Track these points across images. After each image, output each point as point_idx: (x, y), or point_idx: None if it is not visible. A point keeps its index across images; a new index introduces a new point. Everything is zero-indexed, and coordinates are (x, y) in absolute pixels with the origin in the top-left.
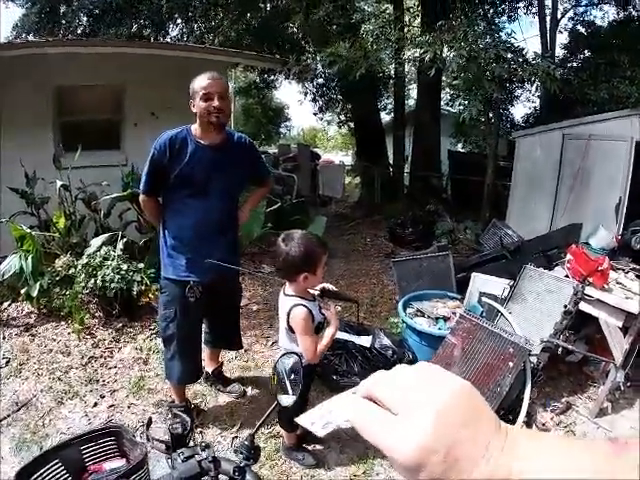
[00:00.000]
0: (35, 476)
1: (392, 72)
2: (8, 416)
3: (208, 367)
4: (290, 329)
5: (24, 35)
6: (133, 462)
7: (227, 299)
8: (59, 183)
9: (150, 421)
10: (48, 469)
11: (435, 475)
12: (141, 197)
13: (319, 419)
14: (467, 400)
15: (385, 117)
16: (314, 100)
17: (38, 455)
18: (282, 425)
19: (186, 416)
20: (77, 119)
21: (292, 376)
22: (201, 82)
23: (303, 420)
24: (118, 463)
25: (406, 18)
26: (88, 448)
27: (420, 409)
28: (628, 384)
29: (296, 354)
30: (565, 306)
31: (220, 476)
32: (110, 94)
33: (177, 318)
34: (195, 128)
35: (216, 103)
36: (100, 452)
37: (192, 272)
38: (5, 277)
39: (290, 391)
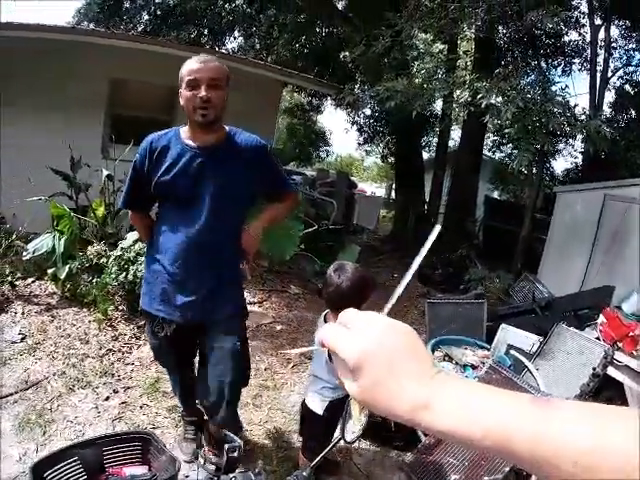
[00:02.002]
0: (51, 471)
1: (439, 111)
2: (15, 393)
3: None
4: (330, 358)
5: (85, 23)
6: (156, 471)
7: (219, 353)
8: (105, 172)
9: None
10: (65, 465)
11: (369, 383)
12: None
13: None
14: (410, 335)
15: (425, 155)
16: (360, 130)
17: (57, 450)
18: (304, 452)
19: (238, 438)
20: (129, 114)
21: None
22: (188, 65)
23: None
24: (140, 470)
25: (460, 61)
26: (111, 450)
27: (369, 326)
28: None
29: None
30: (594, 368)
31: None
32: (164, 94)
33: (157, 353)
34: (186, 128)
35: (202, 93)
36: (122, 456)
37: (163, 306)
38: (35, 254)
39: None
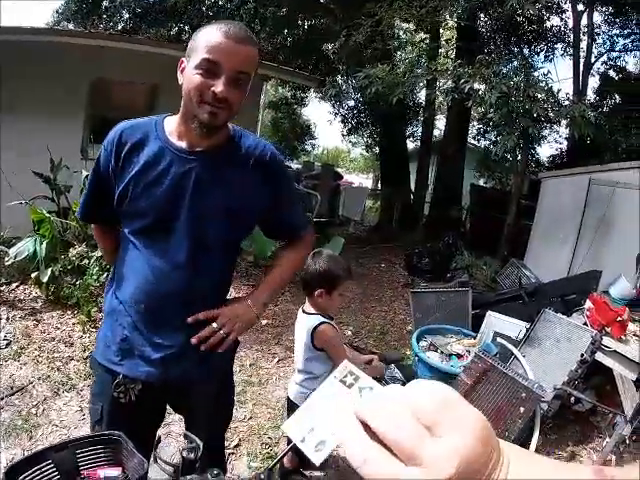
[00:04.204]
0: (24, 475)
1: (422, 100)
2: (1, 399)
3: None
4: (314, 347)
5: (65, 23)
6: (129, 473)
7: (200, 411)
8: (85, 173)
9: (159, 440)
10: (39, 469)
11: None
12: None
13: (309, 433)
14: (484, 420)
15: (410, 145)
16: (344, 122)
17: (30, 454)
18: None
19: (199, 440)
20: (110, 114)
21: None
22: (211, 35)
23: (291, 430)
24: (113, 472)
25: (442, 49)
26: (84, 452)
27: (454, 431)
28: (634, 438)
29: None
30: (582, 355)
31: None
32: (145, 93)
33: (104, 422)
34: (173, 120)
35: (220, 87)
36: (96, 458)
37: (124, 361)
38: (17, 259)
39: None
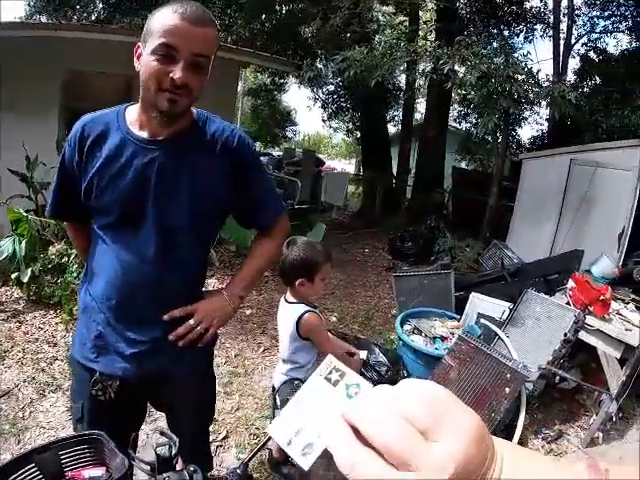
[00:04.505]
0: None
1: (403, 84)
2: None
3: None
4: (300, 336)
5: (37, 16)
6: (113, 472)
7: (182, 407)
8: None
9: (136, 438)
10: (22, 474)
11: None
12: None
13: (295, 435)
14: (477, 419)
15: (392, 129)
16: (323, 107)
17: (12, 458)
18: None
19: (175, 436)
20: (85, 106)
21: None
22: (166, 17)
23: (277, 433)
24: (97, 472)
25: (421, 33)
26: (67, 454)
27: (450, 435)
28: (620, 415)
29: (298, 379)
30: (565, 334)
31: None
32: (121, 84)
33: (85, 420)
34: (134, 109)
35: (178, 74)
36: (79, 459)
37: (100, 358)
38: None
39: None
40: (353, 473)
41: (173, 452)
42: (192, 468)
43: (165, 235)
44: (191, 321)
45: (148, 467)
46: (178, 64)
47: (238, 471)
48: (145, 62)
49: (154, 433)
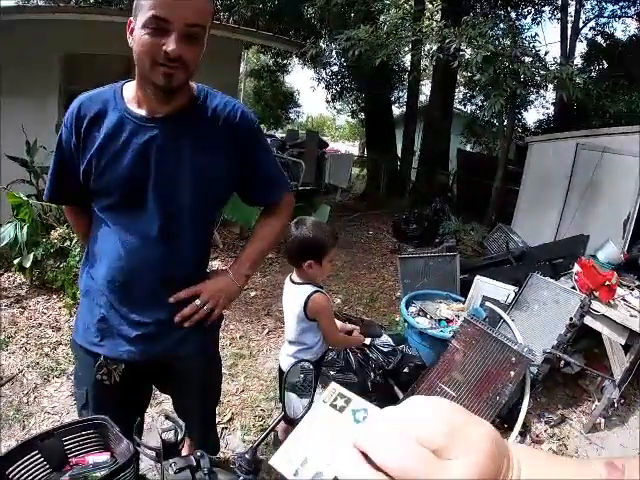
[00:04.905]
0: (12, 468)
1: (407, 65)
2: None
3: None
4: (307, 317)
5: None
6: (118, 457)
7: (188, 389)
8: None
9: (141, 423)
10: (26, 460)
11: None
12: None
13: (302, 465)
14: (492, 431)
15: (396, 110)
16: (327, 87)
17: (16, 446)
18: (284, 419)
19: (181, 420)
20: (85, 89)
21: (305, 385)
22: None
23: (281, 464)
24: (102, 457)
25: (427, 12)
26: (71, 439)
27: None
28: (622, 401)
29: (306, 360)
30: (571, 319)
31: None
32: (121, 66)
33: (90, 406)
34: (131, 86)
35: (171, 46)
36: (83, 444)
37: (104, 341)
38: None
39: (301, 409)
40: None
41: (179, 437)
42: (199, 453)
43: (168, 215)
44: (197, 301)
45: (153, 453)
46: (171, 36)
47: (247, 456)
48: (137, 37)
49: (159, 416)
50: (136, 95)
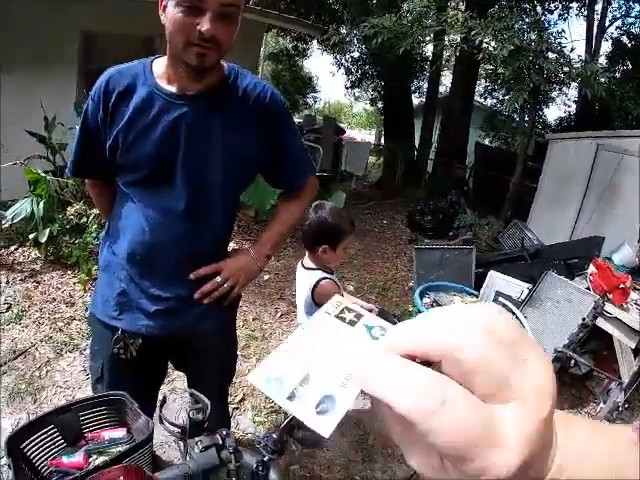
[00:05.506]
0: (27, 442)
1: (429, 54)
2: (5, 363)
3: None
4: (315, 303)
5: None
6: (134, 434)
7: (205, 365)
8: None
9: (164, 400)
10: (42, 435)
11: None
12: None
13: (301, 385)
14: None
15: (415, 100)
16: (347, 74)
17: (32, 420)
18: None
19: (206, 399)
20: (104, 67)
21: None
22: None
23: (264, 384)
24: (118, 433)
25: (452, 2)
26: (87, 414)
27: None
28: (626, 405)
29: None
30: (583, 319)
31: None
32: (142, 45)
33: (104, 380)
34: (162, 62)
35: (206, 25)
36: (99, 420)
37: (123, 315)
38: (15, 221)
39: None
40: (442, 412)
41: (206, 416)
42: (224, 432)
43: (196, 192)
44: (218, 278)
45: (179, 431)
46: (205, 15)
47: (274, 435)
48: (170, 15)
49: (171, 394)
50: (166, 72)
